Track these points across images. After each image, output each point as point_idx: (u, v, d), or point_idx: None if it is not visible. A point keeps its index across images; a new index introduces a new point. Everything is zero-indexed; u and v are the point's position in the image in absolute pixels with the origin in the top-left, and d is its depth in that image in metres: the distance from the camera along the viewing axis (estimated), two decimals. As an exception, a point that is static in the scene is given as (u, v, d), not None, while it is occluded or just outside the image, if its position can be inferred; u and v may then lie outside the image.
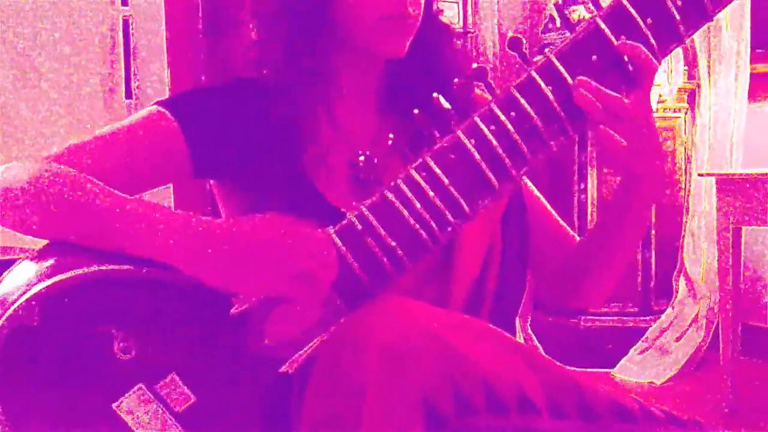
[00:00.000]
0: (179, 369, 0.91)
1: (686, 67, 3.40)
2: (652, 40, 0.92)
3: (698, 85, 3.39)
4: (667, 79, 3.27)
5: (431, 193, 0.93)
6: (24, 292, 0.90)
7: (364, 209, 0.93)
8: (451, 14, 3.09)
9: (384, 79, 1.18)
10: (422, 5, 1.12)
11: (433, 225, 0.93)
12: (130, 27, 3.08)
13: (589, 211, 3.41)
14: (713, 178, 2.85)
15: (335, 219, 0.96)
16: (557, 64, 0.92)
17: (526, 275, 1.28)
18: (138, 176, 1.08)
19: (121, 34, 2.92)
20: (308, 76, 1.12)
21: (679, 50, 3.30)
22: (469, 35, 3.12)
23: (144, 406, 0.90)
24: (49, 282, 0.89)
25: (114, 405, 0.89)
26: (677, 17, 0.92)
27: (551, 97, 0.92)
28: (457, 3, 3.15)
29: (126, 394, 0.90)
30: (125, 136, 1.09)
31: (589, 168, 3.42)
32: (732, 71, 3.36)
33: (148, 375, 0.91)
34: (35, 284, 0.90)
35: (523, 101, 0.92)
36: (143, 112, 1.13)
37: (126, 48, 3.00)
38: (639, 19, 0.92)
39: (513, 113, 0.92)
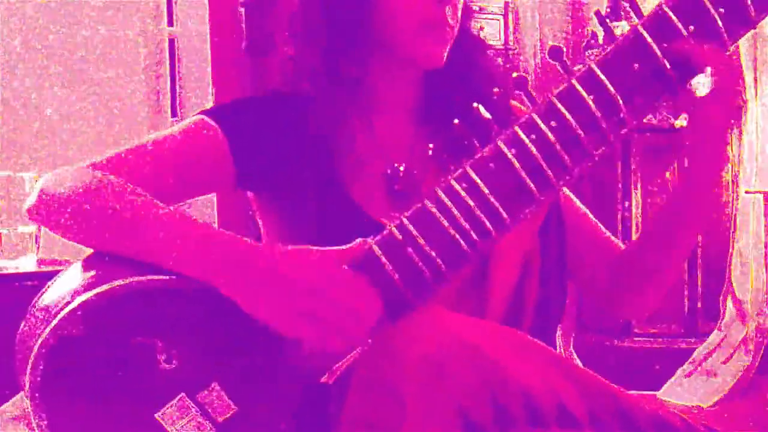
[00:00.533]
0: (221, 379, 0.92)
1: (732, 84, 3.36)
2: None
3: (744, 101, 3.34)
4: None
5: (472, 203, 0.92)
6: (68, 303, 0.91)
7: (404, 220, 0.93)
8: (492, 31, 3.10)
9: (421, 89, 1.19)
10: (459, 15, 1.13)
11: (474, 235, 0.92)
12: (176, 46, 3.14)
13: (633, 230, 3.37)
14: (761, 197, 2.80)
15: (372, 230, 0.95)
16: (598, 72, 0.91)
17: (567, 289, 1.26)
18: (182, 184, 1.10)
19: (167, 53, 2.97)
20: (347, 86, 1.13)
21: (725, 66, 3.27)
22: (510, 52, 3.12)
23: (186, 415, 0.90)
24: (92, 293, 0.90)
25: (156, 414, 0.90)
26: (720, 24, 0.91)
27: (593, 106, 0.91)
28: (498, 20, 3.16)
29: (168, 404, 0.90)
30: (171, 144, 1.11)
31: (633, 187, 3.39)
32: (780, 87, 3.31)
33: (190, 385, 0.91)
34: (79, 295, 0.91)
35: (564, 110, 0.91)
36: (188, 121, 1.14)
37: (172, 67, 3.05)
38: (681, 27, 0.91)
39: (554, 122, 0.91)
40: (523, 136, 0.92)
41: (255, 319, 0.90)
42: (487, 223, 0.92)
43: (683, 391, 3.26)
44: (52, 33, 2.69)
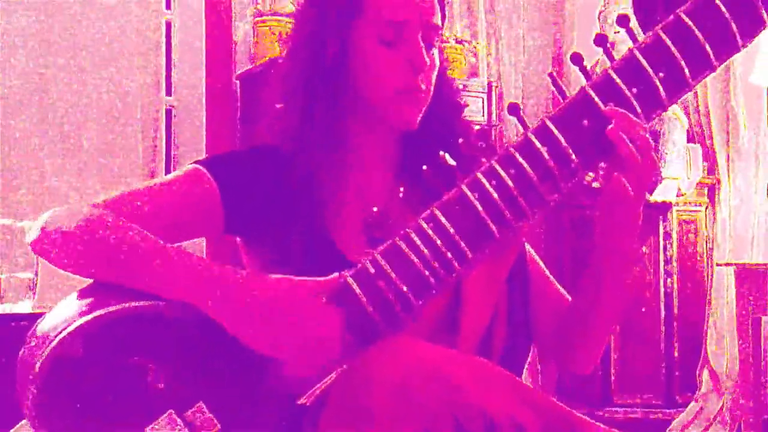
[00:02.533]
0: (206, 398, 1.00)
1: (705, 163, 3.50)
2: (638, 108, 1.03)
3: (718, 180, 3.48)
4: (686, 174, 3.37)
5: (438, 241, 1.02)
6: (66, 327, 0.99)
7: (377, 255, 1.03)
8: (475, 109, 3.24)
9: (399, 148, 1.29)
10: (433, 82, 1.24)
11: (440, 270, 1.02)
12: (173, 115, 3.27)
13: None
14: (732, 270, 2.90)
15: None
16: (551, 126, 1.02)
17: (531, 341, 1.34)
18: (175, 227, 1.19)
19: (163, 121, 3.09)
20: (327, 144, 1.23)
21: (698, 146, 3.42)
22: (493, 128, 3.26)
23: (174, 430, 0.98)
24: (90, 316, 0.99)
25: (147, 429, 0.98)
26: (660, 88, 1.03)
27: (546, 156, 1.02)
28: (482, 98, 3.31)
29: (158, 420, 0.98)
30: (166, 190, 1.21)
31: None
32: (751, 167, 3.46)
33: (178, 403, 0.99)
34: (78, 318, 1.00)
35: (520, 159, 1.02)
36: (184, 170, 1.24)
37: (168, 134, 3.17)
38: (625, 89, 1.02)
39: (512, 170, 1.02)
40: (485, 182, 1.02)
41: (239, 342, 0.99)
42: (452, 259, 1.02)
43: (662, 462, 3.30)
44: (52, 92, 2.81)
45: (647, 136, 1.04)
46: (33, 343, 1.03)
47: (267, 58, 3.12)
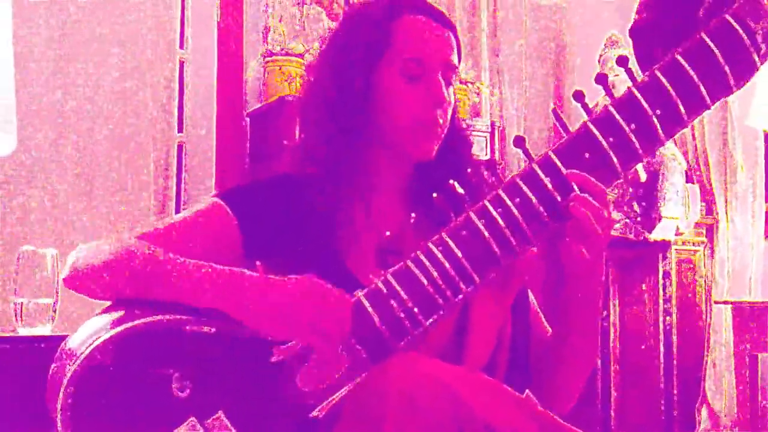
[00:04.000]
0: (226, 408, 1.06)
1: (704, 203, 3.57)
2: (636, 143, 1.10)
3: (716, 220, 3.55)
4: (685, 214, 3.44)
5: (446, 264, 1.09)
6: (96, 339, 1.06)
7: (389, 276, 1.10)
8: (478, 148, 3.32)
9: (413, 178, 1.37)
10: (449, 118, 1.32)
11: (447, 291, 1.09)
12: (184, 151, 3.35)
13: (611, 338, 3.51)
14: (730, 308, 2.95)
15: None
16: (554, 158, 1.09)
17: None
18: (196, 257, 1.25)
19: (175, 157, 3.16)
20: (347, 172, 1.30)
21: (696, 186, 3.49)
22: (497, 166, 3.33)
23: (195, 437, 1.04)
24: (121, 328, 1.06)
25: (169, 434, 1.04)
26: (657, 125, 1.10)
27: (550, 186, 1.09)
28: (485, 137, 3.39)
29: (180, 427, 1.04)
30: (187, 225, 1.28)
31: (610, 299, 3.54)
32: (748, 209, 3.53)
33: (199, 411, 1.05)
34: (108, 331, 1.06)
35: (525, 188, 1.09)
36: (204, 203, 1.31)
37: (179, 170, 3.24)
38: (624, 125, 1.10)
39: (517, 199, 1.09)
40: (491, 209, 1.09)
41: (258, 356, 1.06)
42: (459, 281, 1.09)
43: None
44: (68, 125, 2.90)
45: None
46: (64, 358, 1.10)
47: (277, 97, 3.20)
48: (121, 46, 3.02)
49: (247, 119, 3.45)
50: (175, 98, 3.16)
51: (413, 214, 1.14)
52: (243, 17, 3.49)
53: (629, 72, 1.12)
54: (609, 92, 1.12)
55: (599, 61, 3.72)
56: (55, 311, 1.79)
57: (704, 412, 3.46)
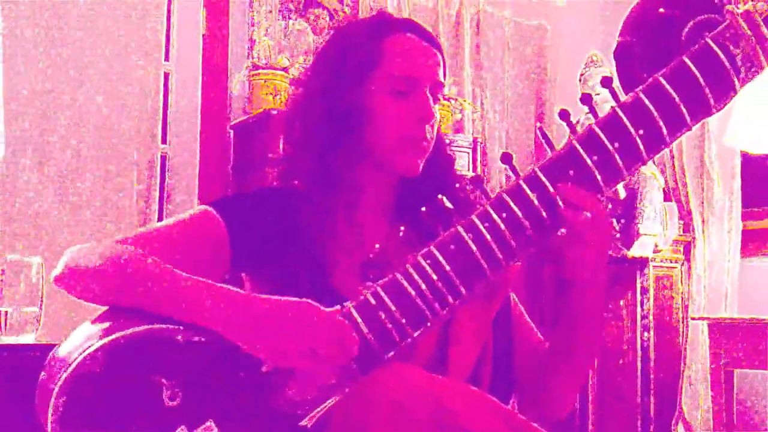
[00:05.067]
0: (216, 417, 1.07)
1: (681, 221, 3.62)
2: (619, 161, 1.13)
3: (693, 239, 3.60)
4: (663, 231, 3.48)
5: (434, 277, 1.11)
6: (88, 347, 1.07)
7: (378, 288, 1.12)
8: (460, 164, 3.35)
9: (398, 194, 1.39)
10: (435, 134, 1.34)
11: (435, 304, 1.11)
12: (167, 162, 3.35)
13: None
14: (706, 324, 3.00)
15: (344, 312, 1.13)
16: (540, 174, 1.12)
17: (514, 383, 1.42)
18: (184, 266, 1.26)
19: (158, 167, 3.17)
20: (334, 187, 1.32)
21: (674, 204, 3.55)
22: (484, 182, 3.37)
23: (184, 445, 1.06)
24: (112, 336, 1.07)
25: (160, 442, 1.05)
26: (639, 144, 1.13)
27: (536, 202, 1.12)
28: (467, 153, 3.43)
29: (170, 434, 1.06)
30: (178, 231, 1.29)
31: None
32: (725, 227, 3.58)
33: (190, 419, 1.07)
34: (101, 339, 1.07)
35: (512, 204, 1.12)
36: (194, 210, 1.32)
37: (162, 180, 3.25)
38: (607, 143, 1.12)
39: (504, 214, 1.12)
40: (479, 223, 1.12)
41: (247, 365, 1.07)
42: (447, 294, 1.11)
43: None
44: (52, 133, 2.90)
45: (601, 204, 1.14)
46: (54, 365, 1.10)
47: (262, 110, 3.22)
48: (107, 58, 3.03)
49: (231, 131, 3.46)
50: (159, 109, 3.17)
51: (402, 228, 1.16)
52: (228, 30, 3.51)
53: (613, 92, 1.14)
54: (594, 112, 1.15)
55: (580, 80, 3.77)
56: (39, 320, 1.79)
57: (680, 427, 3.50)
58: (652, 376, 3.53)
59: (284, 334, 1.08)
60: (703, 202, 3.64)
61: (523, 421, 1.08)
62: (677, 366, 3.56)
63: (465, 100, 3.76)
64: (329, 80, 1.34)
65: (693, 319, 3.25)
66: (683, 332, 3.59)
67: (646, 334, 3.49)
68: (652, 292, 3.50)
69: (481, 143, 3.67)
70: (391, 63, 1.33)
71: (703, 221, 3.63)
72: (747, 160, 3.54)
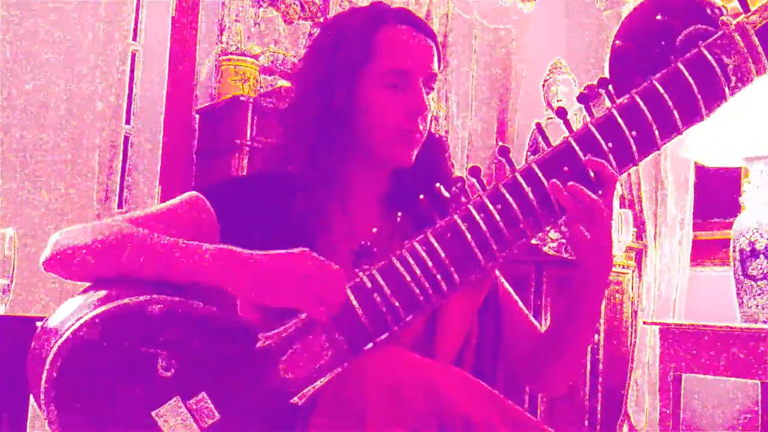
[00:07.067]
0: (209, 389, 1.08)
1: (635, 229, 3.71)
2: (612, 161, 1.17)
3: (645, 246, 3.69)
4: (617, 238, 3.56)
5: (430, 263, 1.14)
6: (82, 317, 1.07)
7: (374, 271, 1.14)
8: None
9: (391, 184, 1.41)
10: (427, 125, 1.36)
11: (429, 289, 1.14)
12: (129, 144, 3.32)
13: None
14: (657, 329, 3.07)
15: None
16: (536, 169, 1.15)
17: (497, 370, 1.46)
18: None
19: (121, 149, 3.13)
20: (327, 177, 1.33)
21: (629, 212, 3.63)
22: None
23: (178, 416, 1.06)
24: (108, 306, 1.07)
25: (153, 412, 1.06)
26: (632, 145, 1.17)
27: (531, 195, 1.15)
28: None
29: (164, 404, 1.06)
30: (167, 216, 1.28)
31: (543, 311, 3.64)
32: (676, 237, 3.68)
33: (183, 391, 1.07)
34: (95, 309, 1.07)
35: (508, 196, 1.15)
36: (184, 196, 1.32)
37: (124, 162, 3.21)
38: (602, 142, 1.16)
39: (499, 206, 1.15)
40: (475, 214, 1.15)
41: (245, 341, 1.09)
42: (441, 281, 1.14)
43: None
44: (14, 109, 2.86)
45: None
46: (45, 336, 1.10)
47: (230, 96, 3.21)
48: (73, 34, 2.98)
49: (197, 115, 3.44)
50: (124, 89, 3.13)
51: (399, 213, 1.18)
52: (198, 13, 3.49)
53: (588, 109, 1.18)
54: (568, 125, 1.19)
55: (543, 85, 3.83)
56: (9, 291, 1.77)
57: (625, 429, 3.58)
58: (600, 378, 3.60)
59: (285, 277, 1.11)
60: (656, 211, 3.73)
61: (511, 405, 1.11)
62: (624, 370, 3.64)
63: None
64: (322, 74, 1.35)
65: (645, 323, 3.32)
66: (631, 337, 3.67)
67: (596, 336, 3.56)
68: (603, 296, 3.56)
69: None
70: (385, 56, 1.33)
71: (655, 230, 3.72)
72: (701, 172, 3.64)
